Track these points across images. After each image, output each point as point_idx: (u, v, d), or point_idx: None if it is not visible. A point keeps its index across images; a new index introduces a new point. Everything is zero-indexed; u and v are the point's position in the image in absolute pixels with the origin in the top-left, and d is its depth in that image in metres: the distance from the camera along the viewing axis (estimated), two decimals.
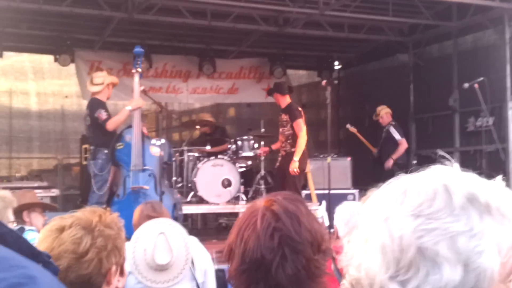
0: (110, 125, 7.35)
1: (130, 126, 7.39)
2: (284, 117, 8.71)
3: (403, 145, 10.16)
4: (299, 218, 1.55)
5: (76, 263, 1.89)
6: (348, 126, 10.98)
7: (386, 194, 0.93)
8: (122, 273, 2.03)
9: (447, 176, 0.91)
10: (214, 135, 10.46)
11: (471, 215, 0.87)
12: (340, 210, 3.44)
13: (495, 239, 0.87)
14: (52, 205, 5.61)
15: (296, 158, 8.32)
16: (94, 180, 7.41)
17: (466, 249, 0.85)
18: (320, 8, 9.57)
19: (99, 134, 7.45)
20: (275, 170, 8.95)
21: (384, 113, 10.40)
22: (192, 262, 3.26)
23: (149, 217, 3.46)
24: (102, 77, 7.79)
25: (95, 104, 7.55)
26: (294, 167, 8.30)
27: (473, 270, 0.85)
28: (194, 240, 3.55)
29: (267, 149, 9.16)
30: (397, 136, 10.21)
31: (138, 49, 7.56)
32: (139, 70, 7.54)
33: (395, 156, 9.99)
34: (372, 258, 0.90)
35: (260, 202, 1.62)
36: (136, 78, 7.55)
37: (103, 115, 7.37)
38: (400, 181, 0.94)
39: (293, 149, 8.46)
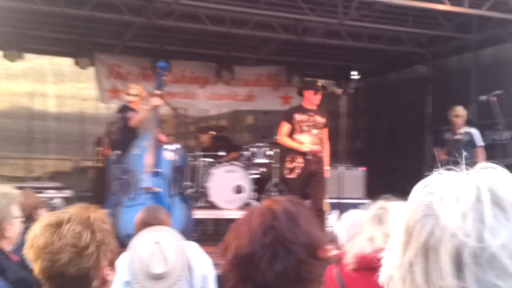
0: (132, 122, 7.80)
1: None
2: (321, 119, 7.92)
3: (483, 152, 8.83)
4: (297, 220, 1.55)
5: (77, 257, 1.92)
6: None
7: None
8: (113, 267, 2.06)
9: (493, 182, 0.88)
10: (216, 145, 10.20)
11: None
12: (344, 217, 3.42)
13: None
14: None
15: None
16: (118, 183, 7.47)
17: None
18: (339, 17, 9.55)
19: (127, 139, 7.55)
20: (302, 174, 7.73)
21: (465, 114, 9.10)
22: (191, 269, 3.30)
23: (149, 225, 3.47)
24: (137, 89, 8.22)
25: (128, 108, 7.99)
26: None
27: None
28: (193, 246, 3.58)
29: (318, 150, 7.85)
30: (479, 142, 8.88)
31: (162, 64, 7.60)
32: (162, 83, 7.54)
33: None
34: (395, 248, 0.91)
35: (265, 202, 1.63)
36: (157, 87, 7.57)
37: (131, 115, 7.82)
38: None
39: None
